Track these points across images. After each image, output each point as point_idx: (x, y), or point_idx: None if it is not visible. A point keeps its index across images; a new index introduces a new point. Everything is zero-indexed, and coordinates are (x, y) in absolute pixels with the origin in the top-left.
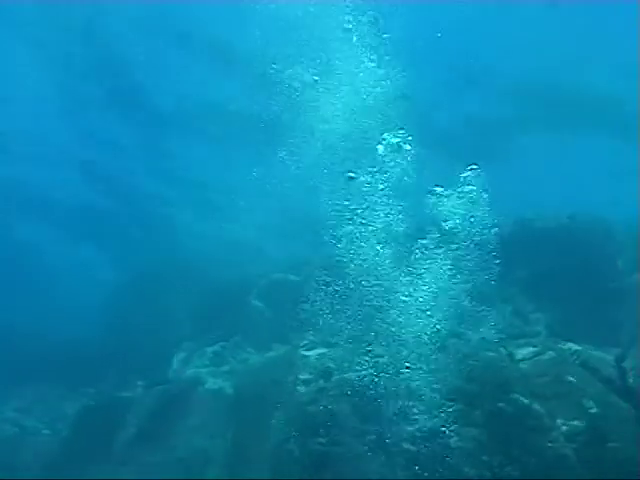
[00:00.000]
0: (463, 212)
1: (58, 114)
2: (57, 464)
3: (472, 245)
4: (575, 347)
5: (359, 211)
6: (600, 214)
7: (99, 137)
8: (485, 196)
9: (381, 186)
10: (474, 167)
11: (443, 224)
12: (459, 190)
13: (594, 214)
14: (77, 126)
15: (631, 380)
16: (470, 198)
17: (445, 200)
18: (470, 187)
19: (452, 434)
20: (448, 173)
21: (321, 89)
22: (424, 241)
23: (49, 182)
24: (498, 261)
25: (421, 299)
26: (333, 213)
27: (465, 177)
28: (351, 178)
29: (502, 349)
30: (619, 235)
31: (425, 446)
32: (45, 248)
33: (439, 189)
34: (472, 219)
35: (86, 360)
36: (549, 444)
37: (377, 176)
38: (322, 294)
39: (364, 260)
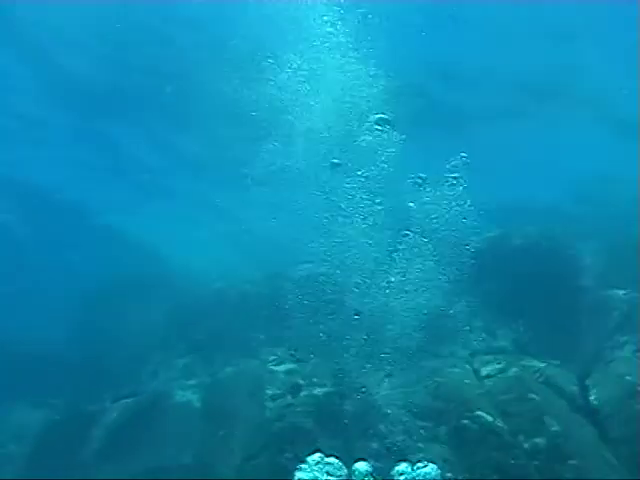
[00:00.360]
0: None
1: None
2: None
3: (446, 255)
4: (539, 364)
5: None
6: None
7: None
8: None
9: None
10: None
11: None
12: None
13: (562, 230)
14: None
15: (593, 398)
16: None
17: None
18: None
19: (417, 450)
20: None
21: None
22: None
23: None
24: (469, 274)
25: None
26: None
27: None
28: (335, 165)
29: (467, 366)
30: (586, 252)
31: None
32: (16, 253)
33: (419, 179)
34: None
35: (53, 372)
36: (512, 461)
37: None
38: (293, 308)
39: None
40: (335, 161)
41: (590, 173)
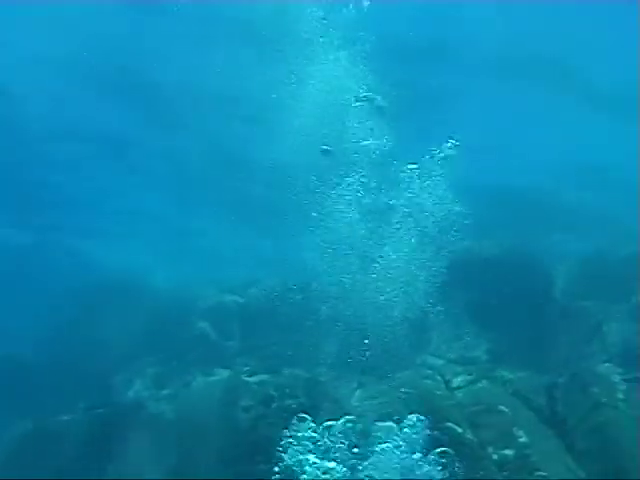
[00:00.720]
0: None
1: None
2: None
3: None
4: (509, 375)
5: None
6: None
7: None
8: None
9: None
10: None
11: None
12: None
13: (534, 241)
14: None
15: (560, 409)
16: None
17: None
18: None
19: None
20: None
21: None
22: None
23: None
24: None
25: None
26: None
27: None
28: (326, 151)
29: (439, 377)
30: (561, 262)
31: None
32: None
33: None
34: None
35: (26, 379)
36: (480, 472)
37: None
38: (268, 317)
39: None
40: (325, 148)
41: (578, 162)
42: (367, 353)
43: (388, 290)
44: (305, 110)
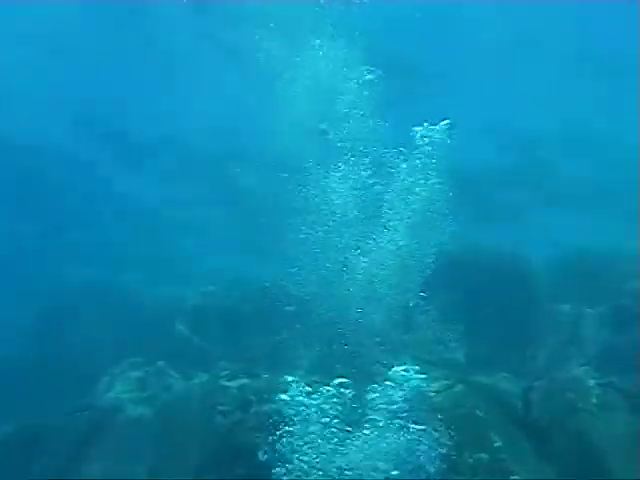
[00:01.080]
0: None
1: None
2: None
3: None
4: (485, 380)
5: None
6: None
7: None
8: None
9: None
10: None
11: None
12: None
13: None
14: None
15: (535, 413)
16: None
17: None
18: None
19: None
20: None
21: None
22: None
23: None
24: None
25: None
26: None
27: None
28: (323, 131)
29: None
30: (540, 264)
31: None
32: None
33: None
34: None
35: (6, 381)
36: (455, 477)
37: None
38: (250, 319)
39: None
40: (322, 127)
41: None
42: (347, 356)
43: (373, 290)
44: (299, 100)
